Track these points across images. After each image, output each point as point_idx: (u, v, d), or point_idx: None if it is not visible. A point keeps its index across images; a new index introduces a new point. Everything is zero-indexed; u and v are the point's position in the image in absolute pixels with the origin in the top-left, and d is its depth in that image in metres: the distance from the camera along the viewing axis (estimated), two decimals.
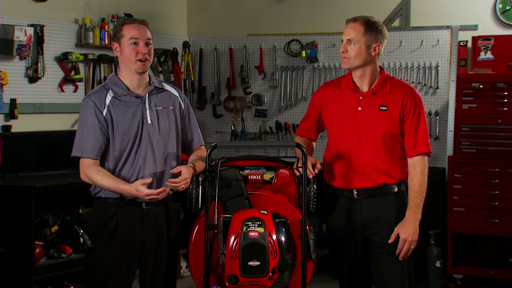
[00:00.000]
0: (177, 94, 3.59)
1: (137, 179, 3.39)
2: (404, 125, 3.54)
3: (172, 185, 3.36)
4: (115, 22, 6.09)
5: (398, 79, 3.72)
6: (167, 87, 3.58)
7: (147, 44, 3.41)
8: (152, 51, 3.46)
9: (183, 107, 3.59)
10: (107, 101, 3.39)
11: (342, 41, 3.53)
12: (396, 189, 3.56)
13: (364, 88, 3.58)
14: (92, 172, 3.36)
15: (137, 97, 3.45)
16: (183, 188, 3.40)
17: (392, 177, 3.55)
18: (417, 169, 3.52)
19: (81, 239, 3.46)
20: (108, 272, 3.41)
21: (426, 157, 3.55)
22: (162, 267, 3.51)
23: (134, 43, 3.38)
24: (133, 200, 3.41)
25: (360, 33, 3.48)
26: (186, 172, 3.39)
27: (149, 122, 3.43)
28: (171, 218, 3.52)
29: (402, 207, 3.53)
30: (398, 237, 3.50)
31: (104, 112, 3.37)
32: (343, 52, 3.51)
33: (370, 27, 3.51)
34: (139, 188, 3.31)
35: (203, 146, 3.68)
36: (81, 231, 3.47)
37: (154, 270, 3.50)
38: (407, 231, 3.48)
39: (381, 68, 3.62)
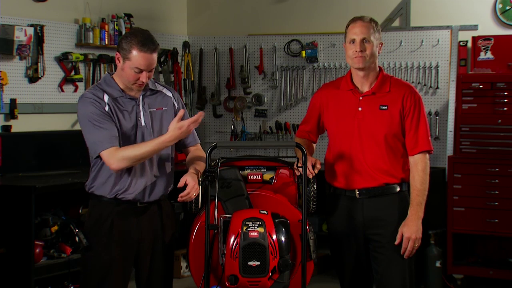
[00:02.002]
0: (171, 95, 3.57)
1: (132, 181, 3.39)
2: (404, 123, 3.54)
3: (184, 198, 3.33)
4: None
5: (397, 78, 3.73)
6: (160, 87, 3.56)
7: (150, 71, 3.37)
8: (153, 72, 3.41)
9: (176, 107, 3.57)
10: (106, 100, 3.37)
11: (353, 40, 3.50)
12: (398, 189, 3.56)
13: (365, 88, 3.58)
14: (125, 151, 3.29)
15: (131, 99, 3.44)
16: (194, 195, 3.37)
17: (394, 176, 3.55)
18: (419, 167, 3.52)
19: (77, 238, 3.44)
20: (105, 271, 3.40)
21: (427, 155, 3.55)
22: (159, 266, 3.51)
23: (137, 72, 3.35)
24: (128, 201, 3.41)
25: (372, 31, 3.51)
26: (191, 180, 3.36)
27: (143, 124, 3.42)
28: (166, 217, 3.52)
29: (404, 207, 3.53)
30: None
31: (106, 108, 3.35)
32: (361, 51, 3.49)
33: (377, 26, 3.56)
34: (180, 124, 3.30)
35: (199, 144, 3.67)
36: (77, 230, 3.45)
37: (151, 269, 3.49)
38: (410, 229, 3.48)
39: (380, 68, 3.62)
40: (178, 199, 3.36)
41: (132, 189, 3.40)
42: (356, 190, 3.56)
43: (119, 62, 3.37)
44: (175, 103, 3.57)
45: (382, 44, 3.58)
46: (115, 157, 3.29)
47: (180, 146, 3.63)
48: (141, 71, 3.33)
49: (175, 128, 3.30)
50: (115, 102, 3.39)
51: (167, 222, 3.53)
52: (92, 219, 3.45)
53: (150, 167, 3.43)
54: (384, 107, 3.54)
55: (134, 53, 3.30)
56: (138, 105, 3.44)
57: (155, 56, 3.37)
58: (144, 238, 3.45)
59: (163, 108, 3.51)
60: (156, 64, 3.41)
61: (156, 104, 3.49)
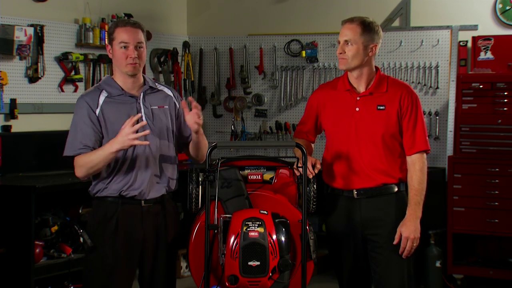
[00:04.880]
0: (171, 94, 3.60)
1: (136, 179, 3.41)
2: (402, 123, 3.55)
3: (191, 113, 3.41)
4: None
5: (394, 78, 3.73)
6: (161, 87, 3.59)
7: (138, 48, 3.41)
8: (144, 54, 3.45)
9: (177, 106, 3.59)
10: (100, 101, 3.40)
11: (339, 42, 3.53)
12: (395, 189, 3.56)
13: (361, 88, 3.59)
14: (82, 159, 3.35)
15: (131, 96, 3.46)
16: (199, 117, 3.43)
17: (392, 176, 3.55)
18: (416, 167, 3.53)
19: (81, 239, 3.45)
20: (110, 272, 3.41)
21: (424, 155, 3.56)
22: (162, 266, 3.52)
23: (124, 47, 3.39)
24: (132, 197, 3.41)
25: (358, 33, 3.49)
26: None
27: (144, 120, 3.43)
28: (169, 216, 3.53)
29: (402, 207, 3.54)
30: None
31: (97, 111, 3.38)
32: (340, 53, 3.51)
33: (367, 27, 3.52)
34: (125, 130, 3.24)
35: None
36: (81, 231, 3.46)
37: (154, 269, 3.50)
38: (408, 229, 3.49)
39: (377, 68, 3.63)
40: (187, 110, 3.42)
41: (137, 184, 3.41)
42: (354, 190, 3.56)
43: (110, 52, 3.45)
44: (176, 103, 3.59)
45: (376, 45, 3.55)
46: (76, 164, 3.39)
47: (183, 145, 3.63)
48: (126, 45, 3.38)
49: (121, 132, 3.27)
50: (114, 100, 3.42)
51: (170, 222, 3.54)
52: (96, 219, 3.46)
53: (154, 163, 3.44)
54: (381, 107, 3.54)
55: (117, 30, 3.42)
56: (139, 102, 3.45)
57: (139, 31, 3.43)
58: (147, 238, 3.46)
59: (165, 107, 3.53)
60: (144, 42, 3.45)
61: (157, 102, 3.52)
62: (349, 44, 3.49)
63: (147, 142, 3.32)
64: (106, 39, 6.02)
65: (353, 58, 3.50)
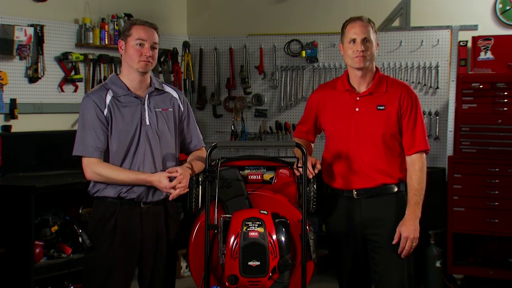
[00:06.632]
0: (177, 96, 3.59)
1: None
2: (401, 123, 3.55)
3: (171, 192, 3.35)
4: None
5: (393, 78, 3.74)
6: (168, 89, 3.58)
7: (152, 48, 3.42)
8: (156, 56, 3.47)
9: (182, 109, 3.59)
10: (107, 101, 3.40)
11: (354, 40, 3.51)
12: (395, 189, 3.56)
13: (362, 88, 3.59)
14: (103, 168, 3.36)
15: (136, 97, 3.45)
16: (183, 190, 3.38)
17: (392, 176, 3.55)
18: (416, 167, 3.53)
19: (80, 239, 3.46)
20: (108, 272, 3.41)
21: (424, 155, 3.56)
22: (161, 267, 3.52)
23: (140, 45, 3.39)
24: (131, 200, 3.41)
25: (372, 31, 3.54)
26: (181, 172, 3.37)
27: (148, 123, 3.43)
28: (170, 217, 3.53)
29: (402, 207, 3.54)
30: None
31: (105, 111, 3.38)
32: (362, 51, 3.50)
33: (374, 26, 3.58)
34: (162, 180, 3.33)
35: (203, 148, 3.67)
36: (80, 231, 3.46)
37: (153, 269, 3.50)
38: (407, 229, 3.49)
39: (376, 68, 3.63)
40: (170, 198, 3.38)
41: (135, 187, 3.40)
42: (354, 190, 3.56)
43: (123, 48, 3.44)
44: (181, 106, 3.59)
45: (378, 44, 3.61)
46: (93, 169, 3.37)
47: (184, 150, 3.64)
48: (143, 43, 3.39)
49: (159, 178, 3.34)
50: (119, 100, 3.42)
51: (171, 223, 3.54)
52: (96, 219, 3.47)
53: (154, 166, 3.44)
54: (381, 107, 3.54)
55: (135, 27, 3.42)
56: (144, 104, 3.45)
57: (155, 33, 3.45)
58: (146, 238, 3.46)
59: (169, 109, 3.53)
60: (157, 44, 3.47)
61: (162, 104, 3.52)
62: (368, 41, 3.51)
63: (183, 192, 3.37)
64: (107, 38, 6.04)
65: (372, 56, 3.54)
